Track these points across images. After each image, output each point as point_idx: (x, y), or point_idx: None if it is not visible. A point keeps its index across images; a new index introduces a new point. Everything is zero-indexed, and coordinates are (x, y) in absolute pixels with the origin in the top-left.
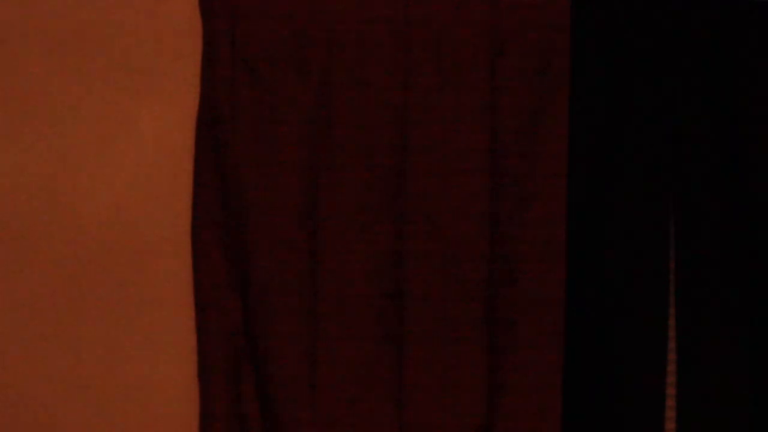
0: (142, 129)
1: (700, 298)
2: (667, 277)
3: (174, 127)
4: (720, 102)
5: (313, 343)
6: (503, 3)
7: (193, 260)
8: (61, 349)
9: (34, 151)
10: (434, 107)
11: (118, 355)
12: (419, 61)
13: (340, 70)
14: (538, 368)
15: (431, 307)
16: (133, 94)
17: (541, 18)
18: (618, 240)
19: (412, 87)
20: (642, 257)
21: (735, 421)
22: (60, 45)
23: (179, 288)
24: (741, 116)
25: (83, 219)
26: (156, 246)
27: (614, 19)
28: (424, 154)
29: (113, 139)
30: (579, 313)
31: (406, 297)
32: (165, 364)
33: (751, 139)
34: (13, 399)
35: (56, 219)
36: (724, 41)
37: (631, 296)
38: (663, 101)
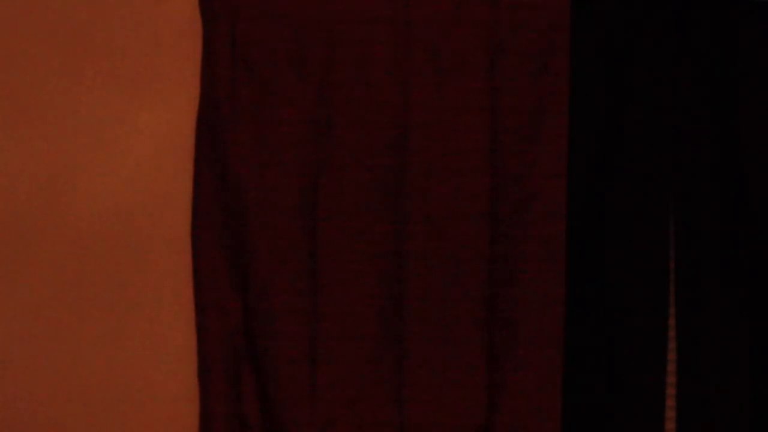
0: (142, 129)
1: (700, 298)
2: (667, 277)
3: (174, 127)
4: (720, 102)
5: (313, 343)
6: (503, 3)
7: (193, 260)
8: (61, 348)
9: (34, 151)
10: (434, 107)
11: (118, 355)
12: (419, 61)
13: (340, 70)
14: (538, 368)
15: (431, 307)
16: (133, 94)
17: (540, 18)
18: (618, 240)
19: (412, 87)
20: (642, 257)
21: (735, 422)
22: (60, 45)
23: (179, 288)
24: (741, 116)
25: (83, 219)
26: (156, 246)
27: (614, 19)
28: (424, 154)
29: (113, 139)
30: (579, 313)
31: (406, 297)
32: (165, 364)
33: (751, 139)
34: (14, 399)
35: (56, 219)
36: (724, 41)
37: (631, 296)
38: (663, 101)
